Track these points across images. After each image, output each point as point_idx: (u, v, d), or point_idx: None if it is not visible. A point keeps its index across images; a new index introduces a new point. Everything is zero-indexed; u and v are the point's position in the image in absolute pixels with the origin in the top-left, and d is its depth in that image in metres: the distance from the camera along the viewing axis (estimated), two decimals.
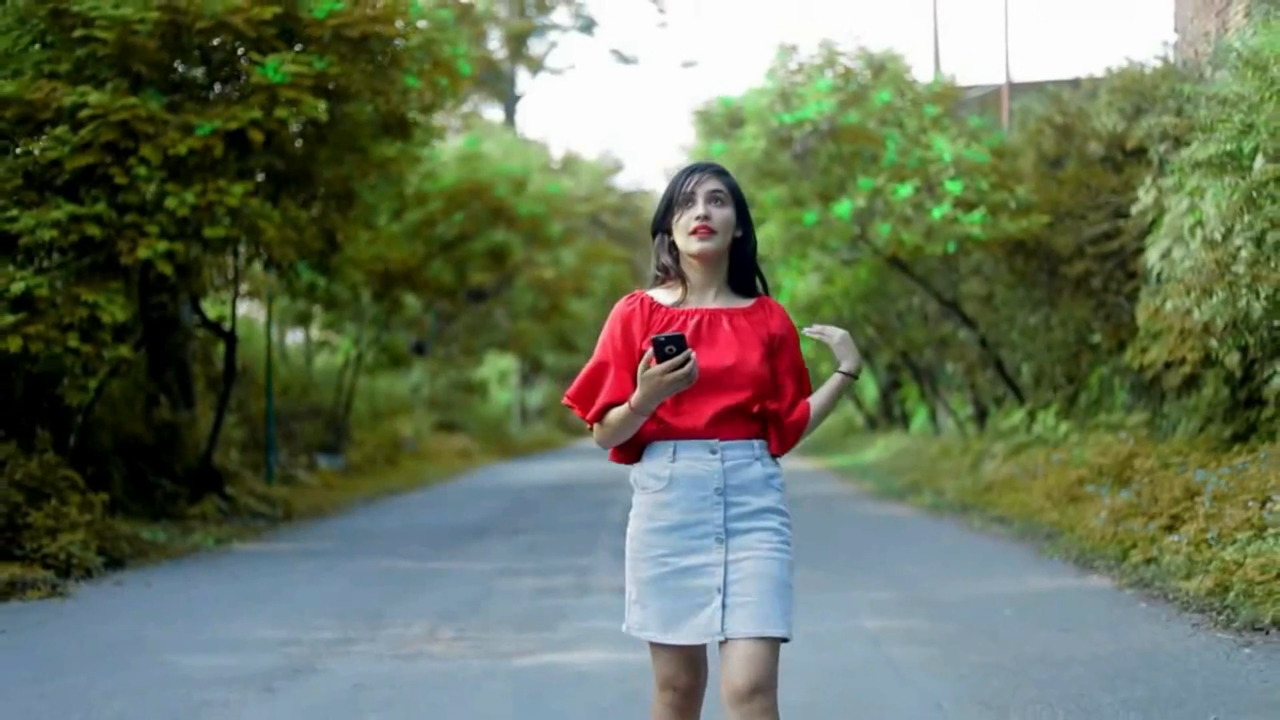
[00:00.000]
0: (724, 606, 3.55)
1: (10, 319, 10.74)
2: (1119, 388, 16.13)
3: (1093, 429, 15.01)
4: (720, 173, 3.74)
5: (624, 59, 54.27)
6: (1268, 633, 7.12)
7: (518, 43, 46.40)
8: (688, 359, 3.44)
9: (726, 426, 3.62)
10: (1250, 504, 9.29)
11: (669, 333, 3.53)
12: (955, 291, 18.44)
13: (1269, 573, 8.01)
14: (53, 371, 11.73)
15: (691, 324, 3.66)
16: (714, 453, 3.62)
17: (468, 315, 29.43)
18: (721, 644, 3.57)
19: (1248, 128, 10.79)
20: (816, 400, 3.79)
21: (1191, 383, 13.03)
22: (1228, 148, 11.00)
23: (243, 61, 11.85)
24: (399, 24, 12.09)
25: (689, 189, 3.68)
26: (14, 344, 10.69)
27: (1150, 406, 14.47)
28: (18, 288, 10.75)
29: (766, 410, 3.68)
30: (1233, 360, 11.74)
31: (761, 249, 20.46)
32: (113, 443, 14.29)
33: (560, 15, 47.20)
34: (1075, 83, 17.08)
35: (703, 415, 3.61)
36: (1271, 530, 8.80)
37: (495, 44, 46.14)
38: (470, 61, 14.03)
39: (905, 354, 22.57)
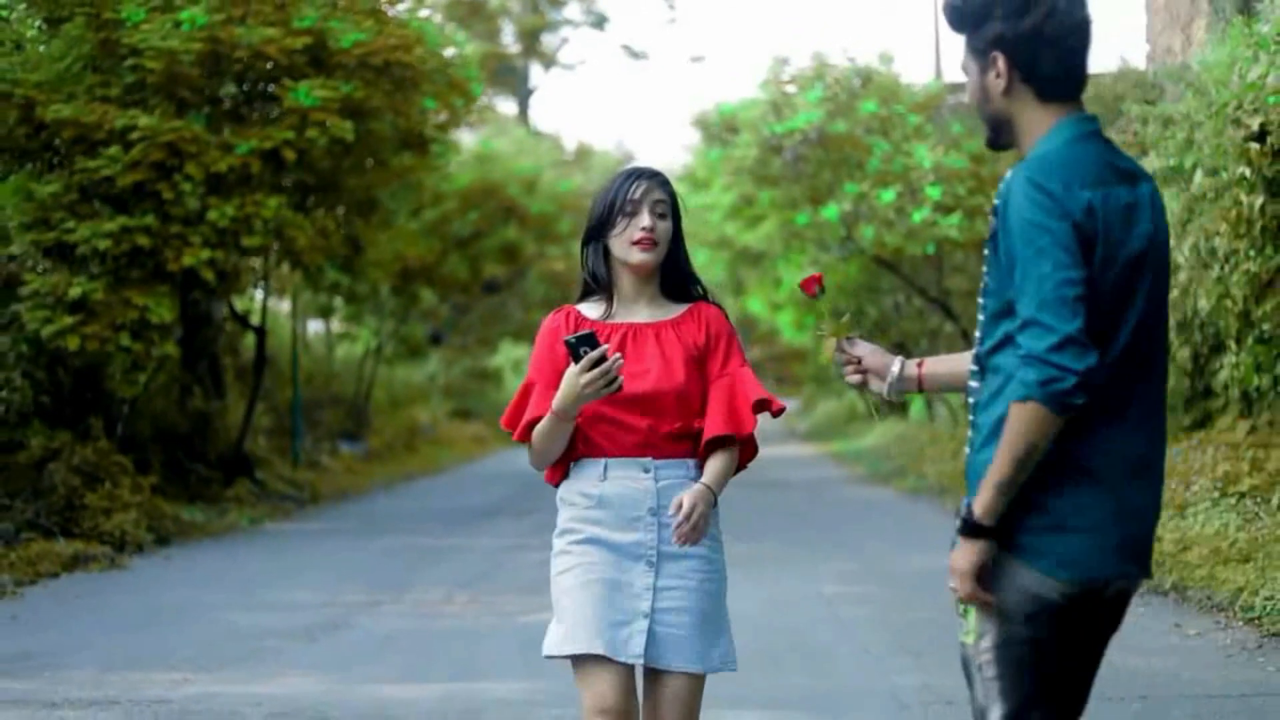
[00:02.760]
0: (650, 633, 3.47)
1: (69, 320, 11.94)
2: None
3: None
4: (665, 182, 3.64)
5: (634, 54, 55.44)
6: (1166, 594, 8.28)
7: (531, 38, 47.34)
8: (603, 356, 3.36)
9: (659, 446, 3.54)
10: (1176, 486, 10.45)
11: (578, 333, 3.43)
12: (939, 287, 19.56)
13: (1179, 546, 9.17)
14: (96, 365, 12.92)
15: (616, 338, 3.57)
16: (647, 471, 3.52)
17: (482, 306, 30.44)
18: (647, 673, 3.54)
19: (1188, 144, 11.88)
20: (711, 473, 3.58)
21: None
22: (1171, 162, 12.10)
23: (276, 87, 13.03)
24: (418, 51, 13.26)
25: (635, 196, 3.57)
26: (73, 342, 11.92)
27: None
28: (75, 292, 11.95)
29: (692, 430, 3.57)
30: (1184, 355, 12.82)
31: (760, 245, 21.68)
32: (152, 431, 15.44)
33: (572, 11, 48.20)
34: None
35: (633, 436, 3.53)
36: (1190, 509, 9.97)
37: (509, 38, 47.15)
38: (481, 81, 15.19)
39: (901, 344, 23.70)
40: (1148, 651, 6.70)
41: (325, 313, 25.24)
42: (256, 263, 15.61)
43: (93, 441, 12.53)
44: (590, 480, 3.56)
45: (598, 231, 3.61)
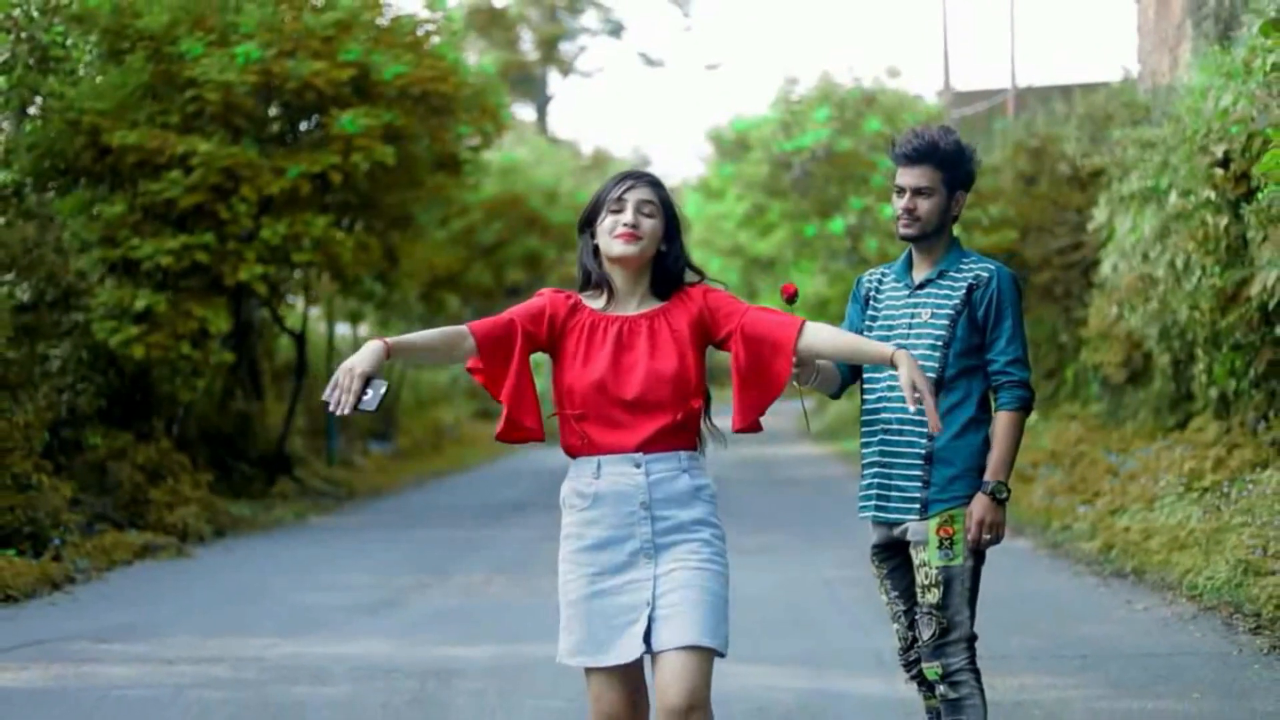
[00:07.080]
0: (653, 620, 3.53)
1: (134, 330, 13.08)
2: (1092, 381, 18.24)
3: (1057, 419, 17.12)
4: (654, 184, 3.77)
5: (650, 61, 56.58)
6: (1126, 577, 9.32)
7: (549, 46, 48.41)
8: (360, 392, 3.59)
9: (656, 441, 3.62)
10: (1146, 481, 11.47)
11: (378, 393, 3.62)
12: None
13: (1144, 535, 10.19)
14: (147, 370, 14.01)
15: (612, 331, 3.68)
16: (638, 466, 3.60)
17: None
18: (654, 658, 3.56)
19: (1164, 167, 12.87)
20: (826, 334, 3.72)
21: (1135, 379, 15.09)
22: (1149, 183, 13.10)
23: (323, 115, 14.16)
24: (453, 81, 14.41)
25: (620, 194, 3.71)
26: (138, 351, 13.05)
27: (1116, 399, 16.56)
28: (140, 304, 13.09)
29: (692, 410, 3.67)
30: (1164, 361, 13.80)
31: (772, 253, 22.77)
32: (197, 431, 16.51)
33: (589, 19, 49.31)
34: (1090, 87, 18.92)
35: (631, 435, 3.63)
36: (1158, 502, 10.98)
37: (527, 46, 48.21)
38: (509, 108, 16.34)
39: None
40: (1096, 622, 7.76)
41: (355, 318, 26.29)
42: (300, 274, 16.73)
43: (155, 441, 13.64)
44: (585, 478, 3.68)
45: (586, 225, 3.79)
